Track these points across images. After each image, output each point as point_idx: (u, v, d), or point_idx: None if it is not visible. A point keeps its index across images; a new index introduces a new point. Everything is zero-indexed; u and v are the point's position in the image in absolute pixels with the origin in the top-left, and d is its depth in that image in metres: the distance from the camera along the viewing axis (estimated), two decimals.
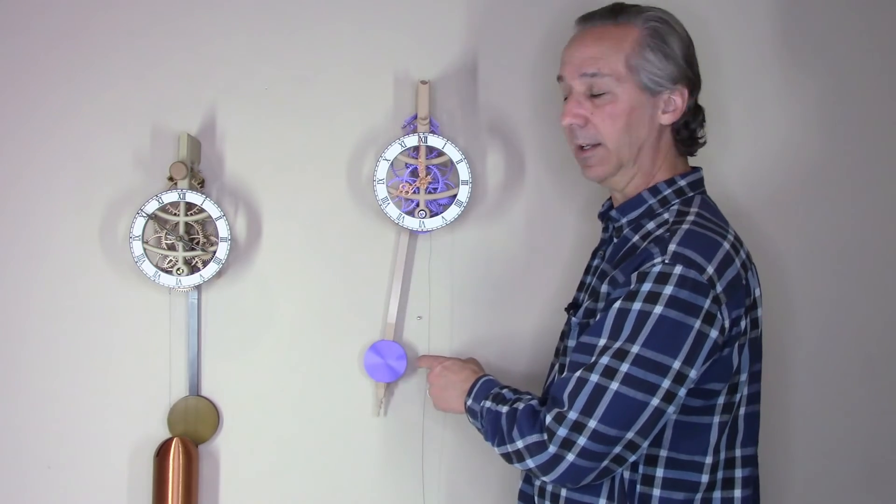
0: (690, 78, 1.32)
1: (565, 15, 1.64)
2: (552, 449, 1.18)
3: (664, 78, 1.30)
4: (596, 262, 1.41)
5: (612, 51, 1.30)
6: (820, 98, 1.69)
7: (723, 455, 1.26)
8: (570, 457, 1.17)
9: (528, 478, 1.37)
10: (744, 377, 1.26)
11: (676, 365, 1.16)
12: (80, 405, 1.64)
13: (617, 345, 1.18)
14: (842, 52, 1.70)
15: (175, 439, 1.60)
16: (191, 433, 1.62)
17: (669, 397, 1.17)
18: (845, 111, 1.70)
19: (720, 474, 1.26)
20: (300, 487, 1.67)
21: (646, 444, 1.19)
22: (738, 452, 1.27)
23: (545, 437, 1.19)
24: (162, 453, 1.59)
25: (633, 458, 1.20)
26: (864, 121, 1.70)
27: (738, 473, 1.27)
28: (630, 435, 1.17)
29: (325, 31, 1.67)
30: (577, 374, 1.19)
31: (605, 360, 1.18)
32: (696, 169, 1.36)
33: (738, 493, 1.26)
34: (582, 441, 1.16)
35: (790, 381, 1.68)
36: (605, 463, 1.18)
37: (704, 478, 1.24)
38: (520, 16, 1.68)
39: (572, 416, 1.17)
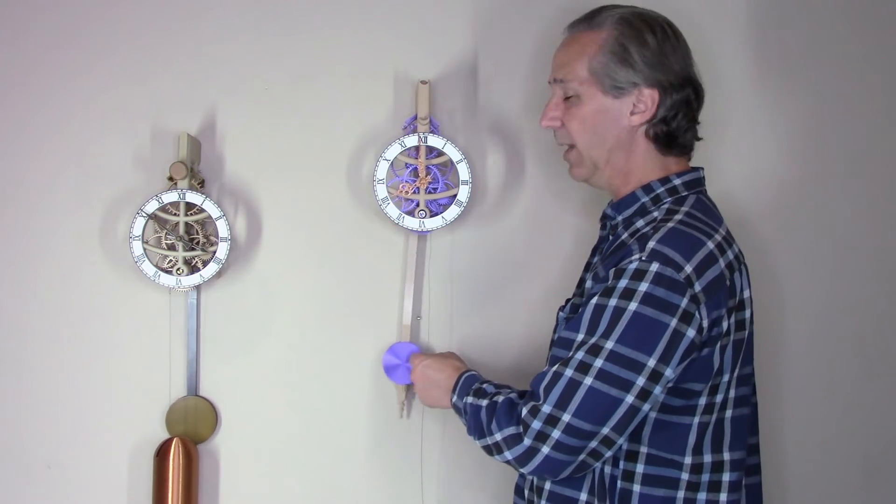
0: (663, 80, 1.30)
1: (565, 15, 1.64)
2: (527, 441, 1.19)
3: (623, 82, 1.30)
4: (596, 259, 1.41)
5: (577, 57, 1.33)
6: (817, 102, 1.69)
7: (709, 458, 1.25)
8: (545, 449, 1.18)
9: None
10: (726, 378, 1.25)
11: (651, 363, 1.17)
12: (81, 405, 1.64)
13: (592, 340, 1.19)
14: (840, 57, 1.70)
15: (175, 439, 1.60)
16: (190, 433, 1.62)
17: (644, 395, 1.18)
18: (843, 114, 1.70)
19: (706, 476, 1.25)
20: (300, 487, 1.67)
21: (622, 440, 1.20)
22: (725, 456, 1.26)
23: (521, 429, 1.20)
24: (162, 453, 1.60)
25: (609, 454, 1.21)
26: (862, 123, 1.70)
27: (726, 477, 1.26)
28: (605, 430, 1.18)
29: (325, 31, 1.67)
30: (554, 368, 1.21)
31: (579, 355, 1.19)
32: (695, 168, 1.36)
33: (723, 496, 1.26)
34: (556, 434, 1.18)
35: (787, 382, 1.68)
36: (581, 457, 1.19)
37: (684, 475, 1.24)
38: (520, 16, 1.68)
39: (546, 409, 1.18)
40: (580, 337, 1.21)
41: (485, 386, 1.32)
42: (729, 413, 1.27)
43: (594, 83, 1.31)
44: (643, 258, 1.19)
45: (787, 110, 1.69)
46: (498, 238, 1.67)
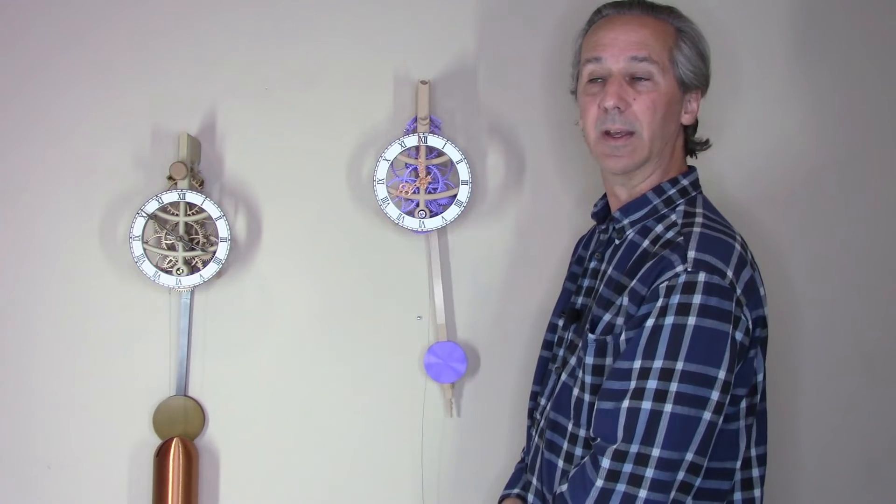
0: (706, 85, 1.34)
1: (565, 15, 1.65)
2: (620, 487, 1.12)
3: (696, 76, 1.30)
4: (594, 264, 1.36)
5: (658, 39, 1.27)
6: (818, 97, 1.69)
7: (743, 455, 1.24)
8: (643, 493, 1.11)
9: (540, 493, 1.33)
10: (760, 377, 1.24)
11: (721, 374, 1.13)
12: (81, 405, 1.64)
13: (658, 364, 1.13)
14: (842, 51, 1.69)
15: (175, 439, 1.60)
16: (178, 433, 1.62)
17: (719, 408, 1.14)
18: (844, 110, 1.69)
19: (738, 475, 1.24)
20: (299, 488, 1.67)
21: (706, 462, 1.15)
22: (753, 452, 1.25)
23: (604, 480, 1.13)
24: (162, 453, 1.60)
25: (698, 482, 1.15)
26: (863, 119, 1.69)
27: (756, 473, 1.25)
28: (689, 456, 1.13)
29: (326, 31, 1.67)
30: (625, 404, 1.14)
31: (652, 383, 1.13)
32: (692, 168, 1.35)
33: (757, 492, 1.25)
34: (650, 473, 1.11)
35: (787, 380, 1.68)
36: (672, 494, 1.13)
37: (732, 483, 1.23)
38: (520, 16, 1.68)
39: (634, 448, 1.12)
40: (639, 363, 1.15)
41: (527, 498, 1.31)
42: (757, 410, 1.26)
43: (671, 70, 1.28)
44: (689, 269, 1.16)
45: (786, 105, 1.68)
46: (498, 238, 1.67)
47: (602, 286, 1.29)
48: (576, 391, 1.26)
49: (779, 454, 1.66)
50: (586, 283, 1.37)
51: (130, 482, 1.64)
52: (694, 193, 1.31)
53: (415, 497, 1.66)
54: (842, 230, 1.69)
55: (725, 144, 1.64)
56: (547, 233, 1.67)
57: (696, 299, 1.14)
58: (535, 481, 1.32)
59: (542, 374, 1.43)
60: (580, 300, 1.37)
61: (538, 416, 1.36)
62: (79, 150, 1.65)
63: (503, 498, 1.44)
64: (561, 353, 1.36)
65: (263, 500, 1.67)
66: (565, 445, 1.26)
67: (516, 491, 1.44)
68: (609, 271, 1.29)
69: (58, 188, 1.64)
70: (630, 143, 1.27)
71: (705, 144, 1.39)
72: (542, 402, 1.36)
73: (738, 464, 1.22)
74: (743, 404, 1.22)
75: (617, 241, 1.32)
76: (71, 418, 1.64)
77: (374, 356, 1.66)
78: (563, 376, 1.31)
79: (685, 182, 1.31)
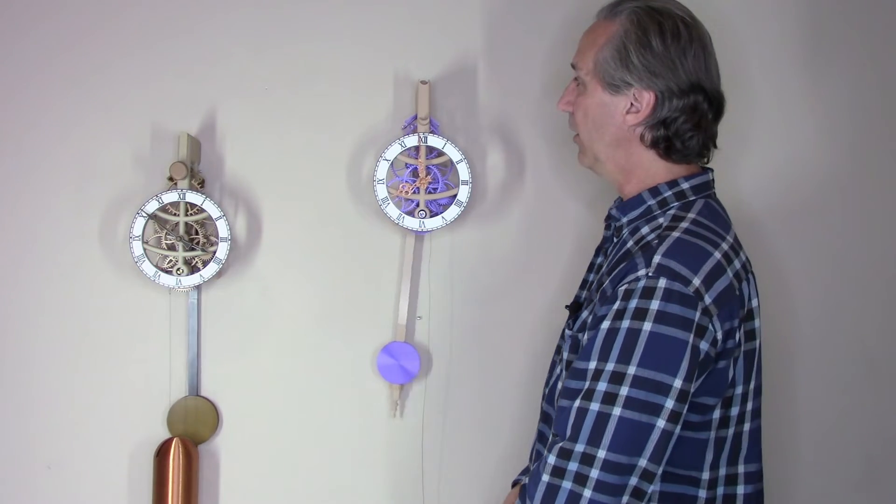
0: (661, 84, 1.25)
1: (565, 14, 1.65)
2: (567, 485, 1.12)
3: (618, 81, 1.26)
4: (599, 259, 1.38)
5: (590, 46, 1.30)
6: (837, 105, 1.67)
7: (723, 471, 1.23)
8: (588, 493, 1.11)
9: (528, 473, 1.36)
10: (739, 390, 1.22)
11: (678, 383, 1.12)
12: (81, 405, 1.64)
13: (611, 367, 1.13)
14: (854, 58, 1.67)
15: (175, 439, 1.60)
16: (190, 433, 1.62)
17: (675, 417, 1.13)
18: (865, 118, 1.67)
19: (721, 490, 1.23)
20: (300, 488, 1.67)
21: (660, 469, 1.14)
22: (741, 469, 1.24)
23: (550, 476, 1.14)
24: (162, 453, 1.60)
25: (652, 489, 1.15)
26: (874, 126, 1.67)
27: (741, 490, 1.24)
28: (642, 462, 1.12)
29: (326, 31, 1.67)
30: (577, 403, 1.15)
31: (602, 385, 1.13)
32: (705, 170, 1.31)
33: None
34: (595, 474, 1.11)
35: (787, 380, 1.68)
36: (625, 499, 1.12)
37: (702, 493, 1.21)
38: (520, 15, 1.68)
39: (580, 448, 1.13)
40: (593, 365, 1.15)
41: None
42: (747, 426, 1.24)
43: (595, 76, 1.28)
44: (650, 274, 1.14)
45: (806, 113, 1.67)
46: (498, 238, 1.67)
47: (597, 279, 1.31)
48: (559, 384, 1.28)
49: (778, 454, 1.66)
50: (590, 277, 1.39)
51: (130, 482, 1.64)
52: (694, 198, 1.28)
53: (415, 497, 1.66)
54: (844, 232, 1.68)
55: (739, 149, 1.63)
56: (547, 233, 1.67)
57: (654, 305, 1.13)
58: (532, 469, 1.32)
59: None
60: (584, 294, 1.38)
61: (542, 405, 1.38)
62: (79, 150, 1.65)
63: (514, 483, 1.45)
64: (561, 345, 1.37)
65: (264, 499, 1.67)
66: (550, 437, 1.26)
67: (525, 478, 1.44)
68: (603, 268, 1.30)
69: (58, 188, 1.64)
70: (580, 143, 1.36)
71: (670, 148, 1.28)
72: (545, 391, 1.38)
73: (706, 475, 1.21)
74: (715, 415, 1.21)
75: (615, 239, 1.32)
76: (71, 418, 1.64)
77: (373, 356, 1.66)
78: (557, 369, 1.33)
79: (685, 185, 1.28)
